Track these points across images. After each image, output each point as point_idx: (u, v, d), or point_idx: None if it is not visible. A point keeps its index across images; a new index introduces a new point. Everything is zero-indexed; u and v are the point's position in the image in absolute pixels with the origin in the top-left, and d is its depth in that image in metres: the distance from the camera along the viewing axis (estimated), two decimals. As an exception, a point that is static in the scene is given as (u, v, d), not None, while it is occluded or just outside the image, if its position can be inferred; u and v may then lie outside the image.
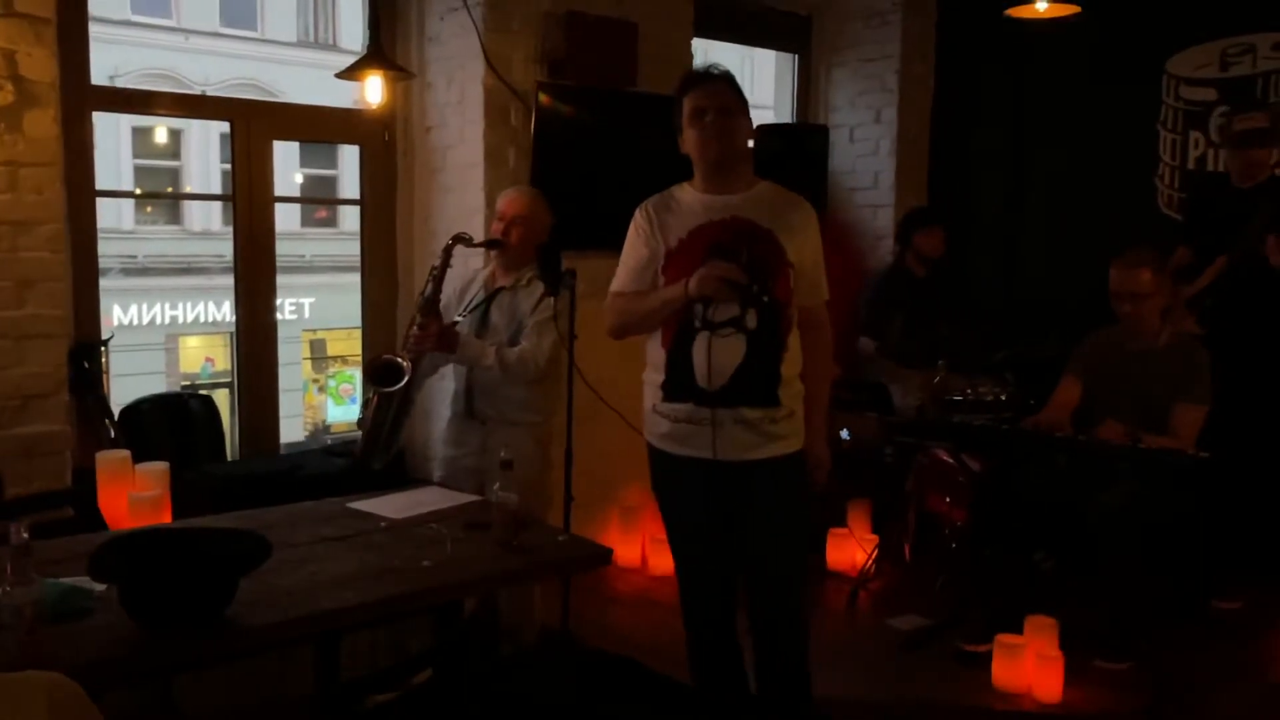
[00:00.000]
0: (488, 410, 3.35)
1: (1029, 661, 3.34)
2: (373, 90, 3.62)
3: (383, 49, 3.64)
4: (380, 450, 3.29)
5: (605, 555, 2.67)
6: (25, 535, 1.88)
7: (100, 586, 2.12)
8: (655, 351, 2.67)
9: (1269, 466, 3.94)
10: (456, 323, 3.36)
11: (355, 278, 4.43)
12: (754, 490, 2.63)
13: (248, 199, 4.00)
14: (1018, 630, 3.42)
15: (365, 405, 3.37)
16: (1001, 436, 3.74)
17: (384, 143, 4.28)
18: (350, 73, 3.57)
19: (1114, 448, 3.43)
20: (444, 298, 3.36)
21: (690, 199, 2.67)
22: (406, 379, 3.20)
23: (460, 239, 3.38)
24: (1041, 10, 4.35)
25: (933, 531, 4.29)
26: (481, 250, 3.57)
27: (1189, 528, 3.75)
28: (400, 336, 4.36)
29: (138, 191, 14.82)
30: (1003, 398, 4.33)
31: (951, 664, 3.57)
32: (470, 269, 3.66)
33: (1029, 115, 5.35)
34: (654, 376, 2.68)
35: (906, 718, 3.29)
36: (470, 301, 3.44)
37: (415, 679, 2.71)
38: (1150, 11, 4.81)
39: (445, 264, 3.34)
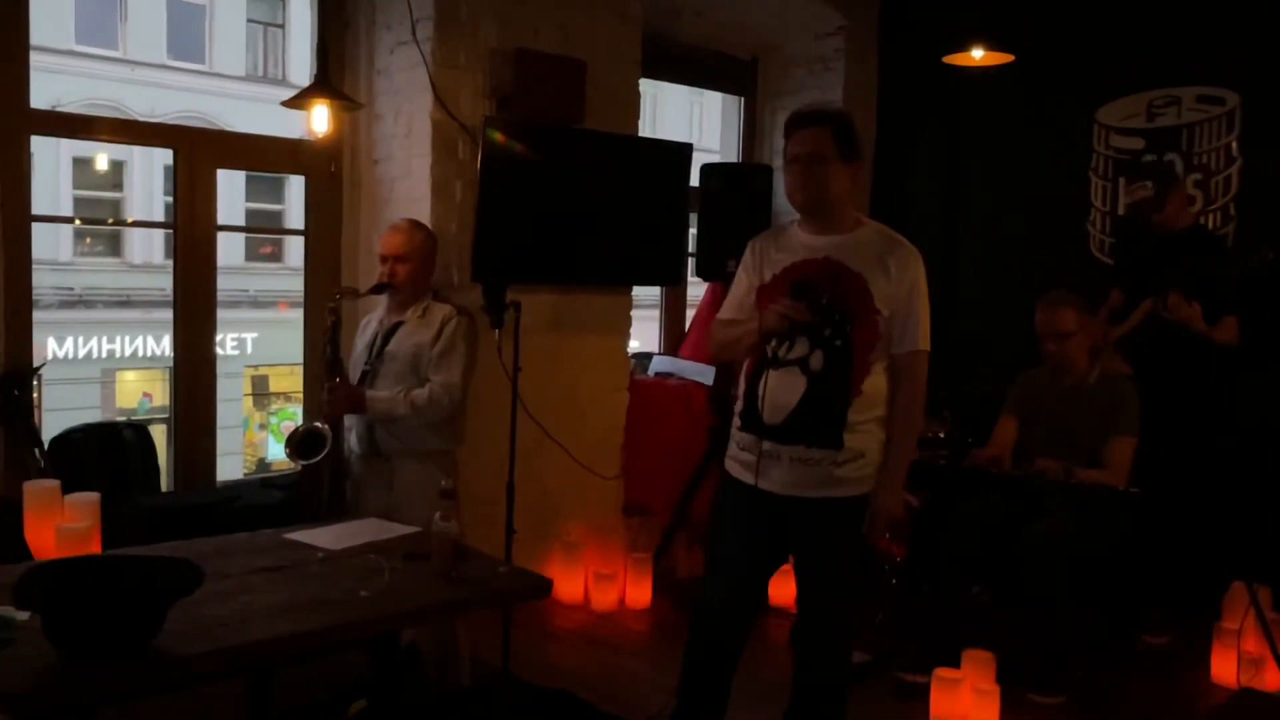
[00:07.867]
0: (392, 444, 3.31)
1: (966, 695, 3.37)
2: (319, 119, 3.61)
3: (329, 78, 3.64)
4: (326, 507, 3.27)
5: (545, 586, 2.66)
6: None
7: (24, 616, 2.06)
8: (741, 380, 2.76)
9: (1190, 504, 4.04)
10: (365, 372, 3.34)
11: (299, 314, 4.38)
12: (805, 528, 2.66)
13: (189, 228, 3.95)
14: (955, 664, 3.46)
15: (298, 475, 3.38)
16: (942, 473, 3.83)
17: (330, 174, 4.26)
18: (296, 101, 3.56)
19: (1049, 481, 3.53)
20: (353, 354, 3.35)
21: (795, 236, 2.73)
22: (327, 449, 3.22)
23: (345, 292, 3.38)
24: (977, 58, 4.48)
25: (872, 567, 4.32)
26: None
27: (1119, 562, 3.84)
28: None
29: (76, 220, 14.56)
30: (941, 435, 4.43)
31: (891, 697, 3.60)
32: (374, 319, 3.58)
33: (965, 161, 5.47)
34: (738, 404, 2.76)
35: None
36: (372, 348, 3.39)
37: (350, 710, 2.67)
38: (1080, 63, 4.96)
39: (337, 321, 3.31)
